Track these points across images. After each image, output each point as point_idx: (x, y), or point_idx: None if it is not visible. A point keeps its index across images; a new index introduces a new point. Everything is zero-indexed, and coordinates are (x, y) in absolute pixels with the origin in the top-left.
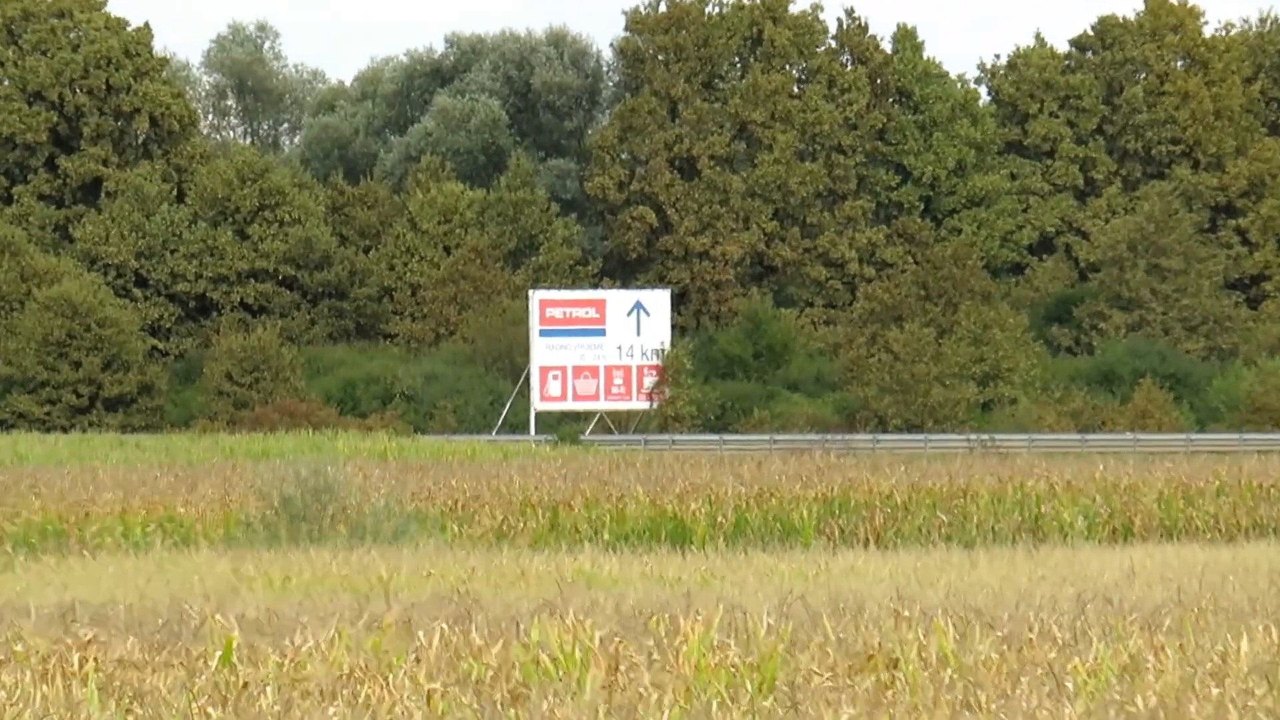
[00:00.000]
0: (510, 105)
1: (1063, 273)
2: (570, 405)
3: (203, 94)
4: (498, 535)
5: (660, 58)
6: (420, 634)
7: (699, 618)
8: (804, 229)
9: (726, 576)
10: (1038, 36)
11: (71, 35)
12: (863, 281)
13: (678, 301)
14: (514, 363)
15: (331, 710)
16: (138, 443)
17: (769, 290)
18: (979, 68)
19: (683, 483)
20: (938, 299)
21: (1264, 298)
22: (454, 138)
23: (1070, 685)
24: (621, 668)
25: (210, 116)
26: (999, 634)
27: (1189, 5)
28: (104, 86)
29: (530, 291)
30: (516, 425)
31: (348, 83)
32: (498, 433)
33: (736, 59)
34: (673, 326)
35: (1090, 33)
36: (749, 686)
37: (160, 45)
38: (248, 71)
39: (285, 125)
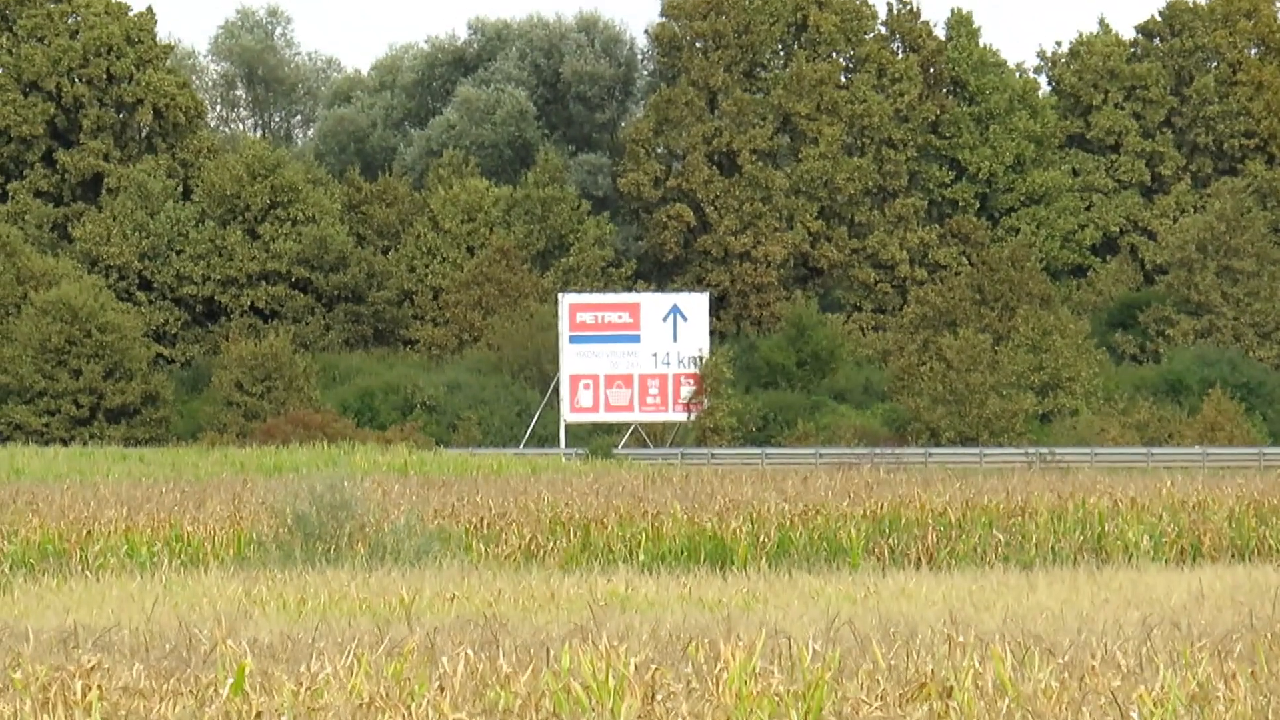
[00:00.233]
0: (538, 96)
1: (1127, 275)
2: (602, 416)
3: (210, 84)
4: (526, 555)
5: (698, 45)
6: (444, 660)
7: (740, 643)
8: (851, 228)
9: (769, 599)
10: (1102, 22)
11: (70, 21)
12: (914, 284)
13: (717, 306)
14: (542, 371)
15: None
16: (142, 456)
17: (814, 294)
18: (1039, 56)
19: (722, 499)
20: (994, 303)
21: None
22: (478, 130)
23: (1135, 715)
24: (658, 697)
25: (218, 108)
26: (1059, 661)
27: None
28: (104, 76)
29: (560, 295)
30: (545, 438)
31: (364, 72)
32: (525, 446)
33: (779, 46)
34: (711, 332)
35: (1158, 18)
36: (794, 716)
37: (164, 32)
38: (258, 60)
39: (298, 117)
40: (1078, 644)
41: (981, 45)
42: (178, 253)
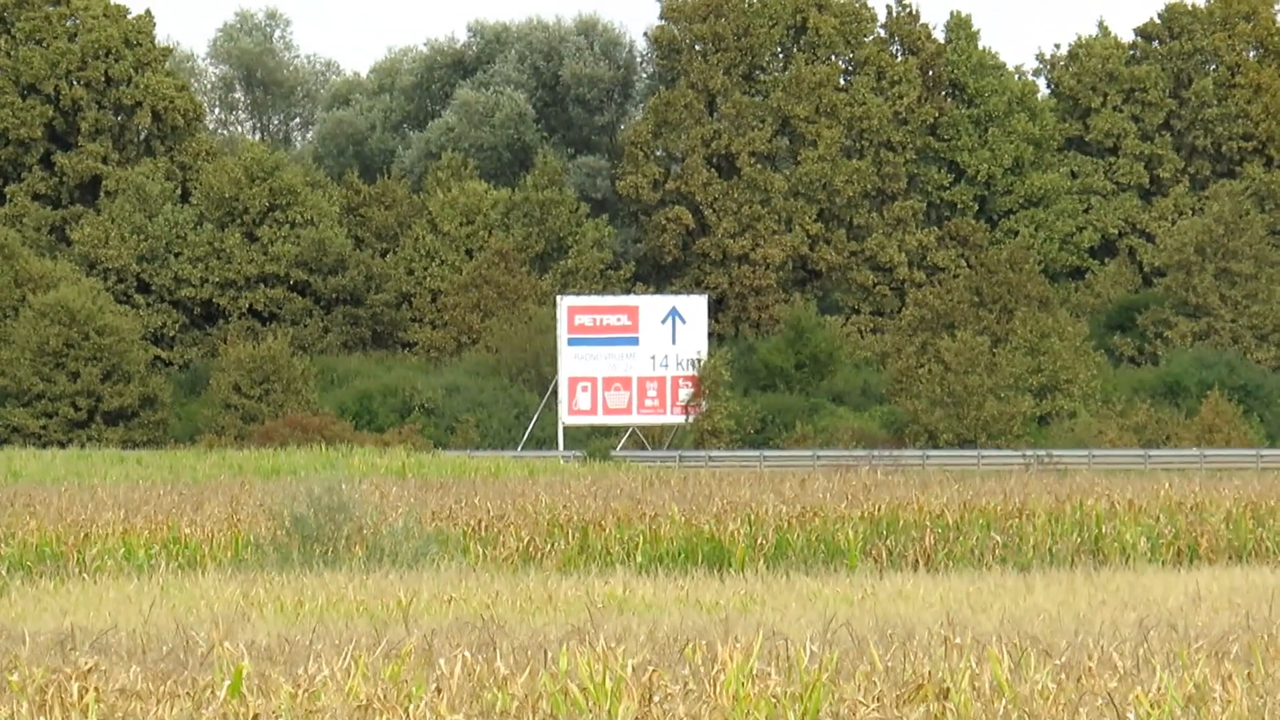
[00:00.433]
0: (537, 98)
1: (1126, 278)
2: (600, 419)
3: (208, 86)
4: (524, 557)
5: (697, 48)
6: (441, 662)
7: (738, 645)
8: (850, 231)
9: (767, 601)
10: (1101, 25)
11: (68, 24)
12: (913, 287)
13: (715, 308)
14: (540, 373)
15: None
16: (140, 459)
17: (813, 296)
18: (1038, 58)
19: (720, 501)
20: (992, 306)
21: None
22: (477, 133)
23: (1132, 716)
24: (655, 699)
25: (216, 110)
26: (1056, 662)
27: None
28: (103, 78)
29: (558, 297)
30: (543, 440)
31: (363, 74)
32: (523, 448)
33: (779, 49)
34: (710, 335)
35: (1157, 21)
36: (791, 718)
37: (163, 34)
38: (256, 62)
39: (297, 120)
40: (1075, 645)
41: (980, 48)
42: (176, 255)
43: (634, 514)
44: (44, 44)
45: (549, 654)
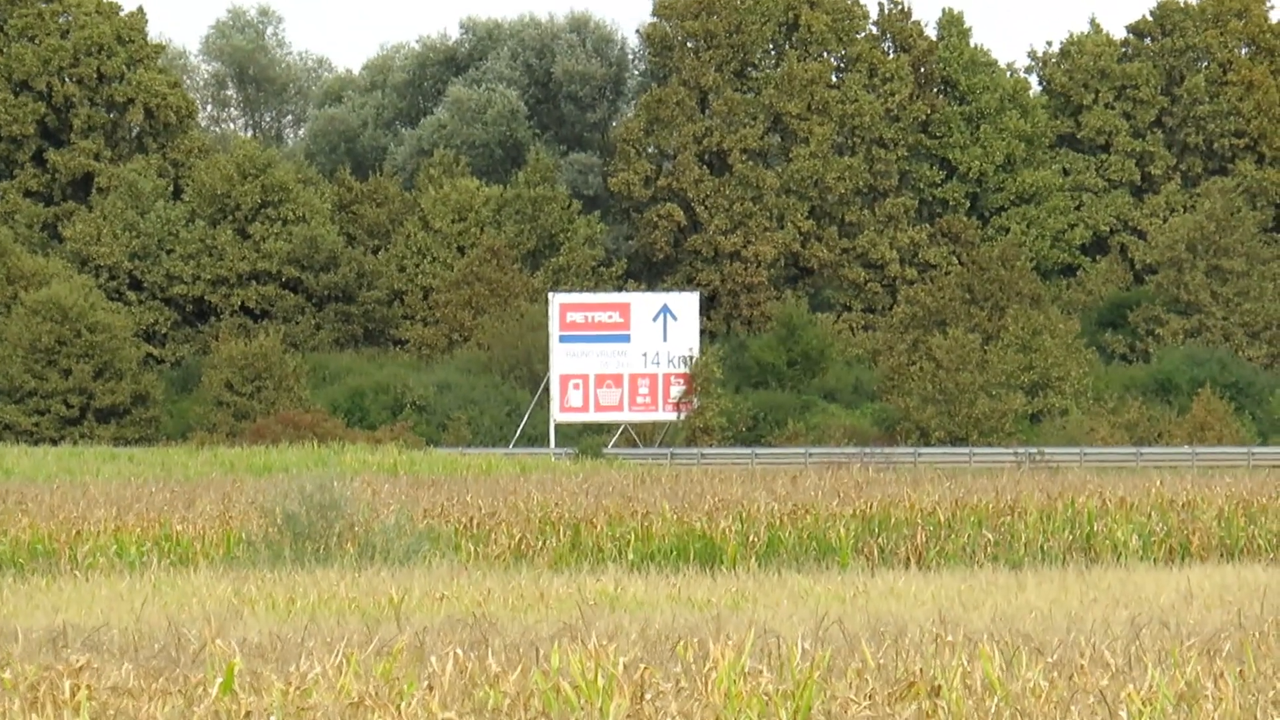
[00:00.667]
0: (529, 95)
1: (1117, 275)
2: (592, 416)
3: (201, 83)
4: (515, 555)
5: (689, 45)
6: (433, 660)
7: (729, 643)
8: (842, 228)
9: (759, 599)
10: (1093, 22)
11: (60, 20)
12: (904, 284)
13: (707, 305)
14: (532, 370)
15: None
16: (131, 456)
17: (804, 293)
18: (1030, 56)
19: (712, 499)
20: (984, 303)
21: None
22: (469, 130)
23: (1124, 714)
24: (647, 696)
25: (209, 108)
26: (1048, 660)
27: None
28: (95, 75)
29: (550, 294)
30: (535, 437)
31: (355, 71)
32: (515, 445)
33: (771, 46)
34: (702, 332)
35: (1149, 18)
36: (783, 716)
37: (155, 31)
38: (249, 60)
39: (289, 117)
40: (1066, 643)
41: (972, 45)
42: (168, 252)
43: (626, 511)
44: (36, 41)
45: (541, 651)
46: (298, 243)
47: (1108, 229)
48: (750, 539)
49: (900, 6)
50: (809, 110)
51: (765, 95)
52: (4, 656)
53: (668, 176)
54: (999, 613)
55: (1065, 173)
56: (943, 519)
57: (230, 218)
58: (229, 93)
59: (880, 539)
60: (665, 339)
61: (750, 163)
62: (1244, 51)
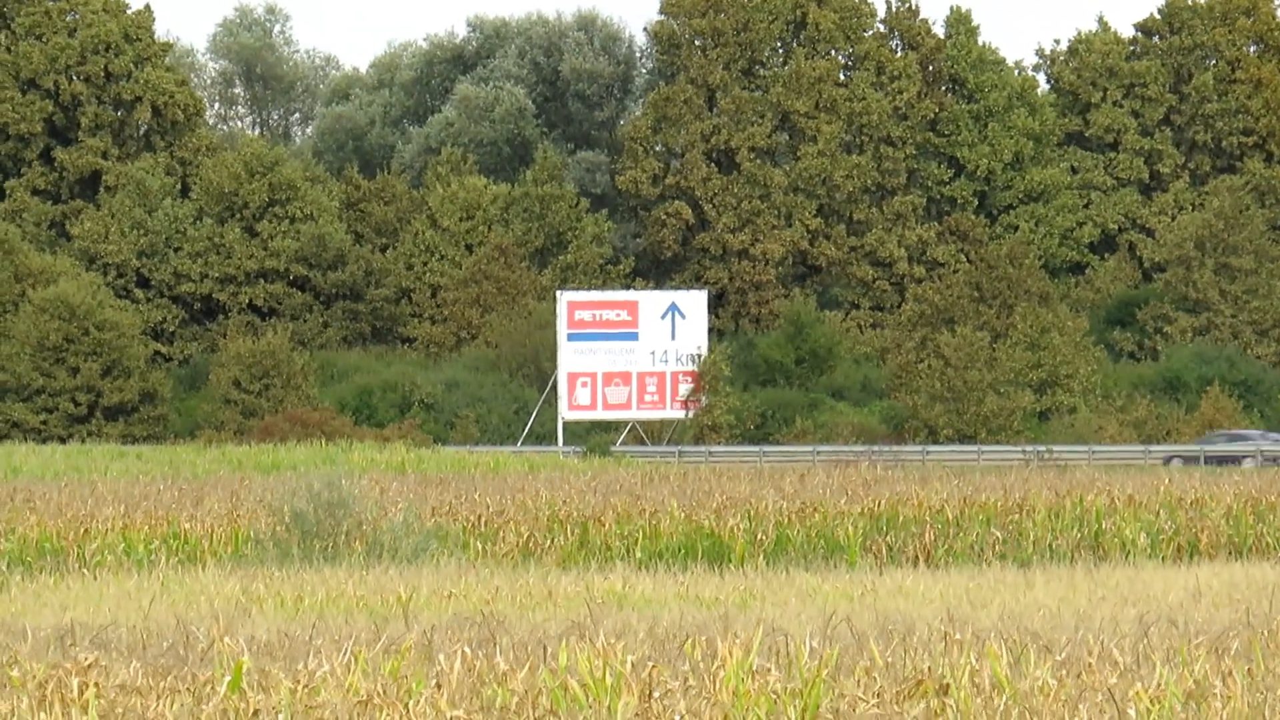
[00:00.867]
0: (537, 94)
1: (1126, 273)
2: (600, 414)
3: (208, 82)
4: (523, 553)
5: (697, 43)
6: (441, 658)
7: (737, 641)
8: (850, 226)
9: (767, 597)
10: (1101, 21)
11: (68, 19)
12: (912, 282)
13: (715, 303)
14: (540, 369)
15: None
16: (139, 454)
17: (812, 291)
18: (1037, 54)
19: (720, 497)
20: (992, 301)
21: None
22: (477, 128)
23: (1132, 712)
24: (655, 694)
25: (216, 106)
26: (1056, 658)
27: None
28: (103, 74)
29: (558, 292)
30: (543, 436)
31: (363, 70)
32: (523, 444)
33: (778, 44)
34: (710, 330)
35: (1157, 16)
36: (791, 714)
37: (163, 30)
38: (256, 58)
39: (296, 115)
40: (1075, 641)
41: (980, 43)
42: (176, 250)
43: (634, 509)
44: (44, 39)
45: (549, 650)
46: (305, 241)
47: (1116, 227)
48: (758, 537)
49: (908, 5)
50: (817, 108)
51: (773, 93)
52: (12, 655)
53: (675, 174)
54: (1007, 611)
55: (1073, 171)
56: (951, 517)
57: (238, 216)
58: (236, 91)
59: (888, 537)
60: (673, 337)
61: (758, 161)
62: (1252, 49)
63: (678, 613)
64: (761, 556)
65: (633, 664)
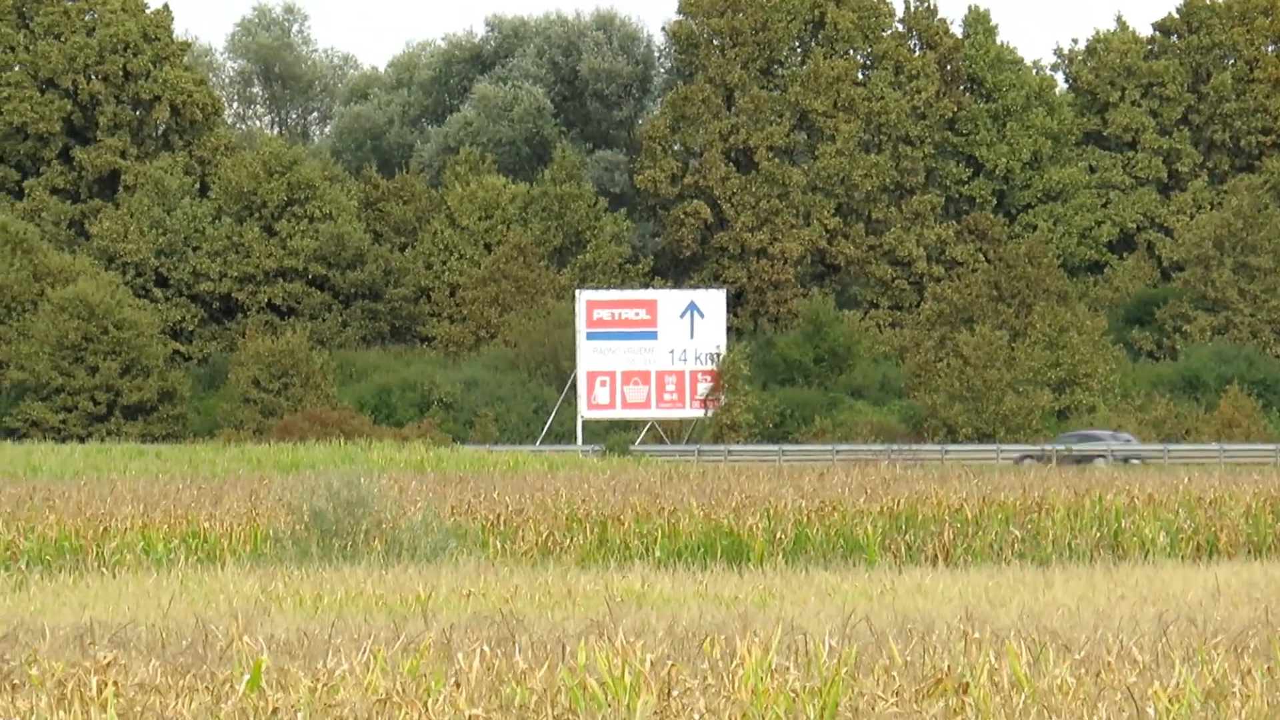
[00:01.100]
0: (555, 93)
1: (1144, 272)
2: (619, 413)
3: (227, 81)
4: (542, 552)
5: (715, 42)
6: (460, 657)
7: (757, 639)
8: (868, 225)
9: (786, 596)
10: (1119, 20)
11: (86, 18)
12: (931, 281)
13: (734, 302)
14: (559, 368)
15: None
16: (159, 453)
17: (831, 290)
18: (1056, 53)
19: (739, 496)
20: (1011, 300)
21: None
22: (495, 128)
23: (1151, 711)
24: (674, 693)
25: (235, 105)
26: (1075, 657)
27: None
28: (121, 73)
29: (576, 291)
30: (562, 435)
31: (381, 69)
32: (542, 443)
33: (797, 43)
34: (729, 329)
35: (1175, 16)
36: (810, 712)
37: (181, 29)
38: (274, 57)
39: (315, 114)
40: (1094, 640)
41: (998, 43)
42: (194, 249)
43: (653, 508)
44: (62, 39)
45: (567, 648)
46: (324, 240)
47: (1135, 226)
48: (777, 536)
49: (926, 4)
50: (835, 108)
51: (791, 93)
52: (32, 653)
53: (694, 174)
54: (1026, 610)
55: (1092, 170)
56: (970, 516)
57: (257, 215)
58: (255, 90)
59: (907, 536)
60: (692, 336)
61: (776, 160)
62: (1270, 49)
63: (697, 611)
64: (780, 555)
65: (651, 663)
